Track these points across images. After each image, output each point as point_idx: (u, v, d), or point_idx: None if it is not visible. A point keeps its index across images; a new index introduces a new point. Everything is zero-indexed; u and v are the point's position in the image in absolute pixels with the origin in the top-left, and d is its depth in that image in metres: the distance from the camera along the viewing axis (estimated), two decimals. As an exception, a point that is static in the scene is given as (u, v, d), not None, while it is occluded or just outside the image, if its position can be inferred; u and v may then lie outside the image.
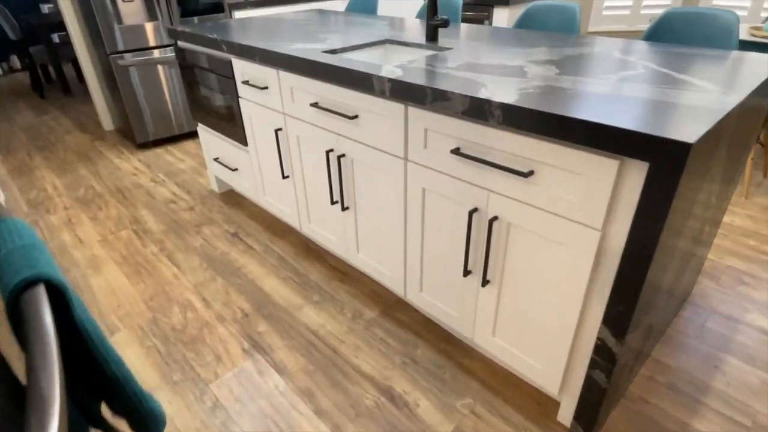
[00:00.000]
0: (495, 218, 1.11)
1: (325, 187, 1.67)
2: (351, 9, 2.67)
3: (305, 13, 2.46)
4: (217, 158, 2.35)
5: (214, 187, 2.56)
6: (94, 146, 3.28)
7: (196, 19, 3.08)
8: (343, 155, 1.50)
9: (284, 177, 1.83)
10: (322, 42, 1.66)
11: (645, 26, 3.75)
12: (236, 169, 2.22)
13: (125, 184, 2.70)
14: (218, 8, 3.15)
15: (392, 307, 1.69)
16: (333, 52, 1.56)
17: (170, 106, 3.19)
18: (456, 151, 1.12)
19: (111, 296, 1.80)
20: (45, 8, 5.25)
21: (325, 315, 1.66)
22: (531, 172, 0.99)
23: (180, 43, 2.16)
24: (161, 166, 2.91)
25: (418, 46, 1.61)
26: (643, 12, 3.70)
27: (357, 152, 1.44)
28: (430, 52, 1.58)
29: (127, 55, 2.89)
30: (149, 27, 2.91)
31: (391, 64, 1.56)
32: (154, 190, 2.62)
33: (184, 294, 1.79)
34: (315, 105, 1.49)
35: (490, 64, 1.28)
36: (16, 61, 5.63)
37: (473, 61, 1.32)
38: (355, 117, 1.38)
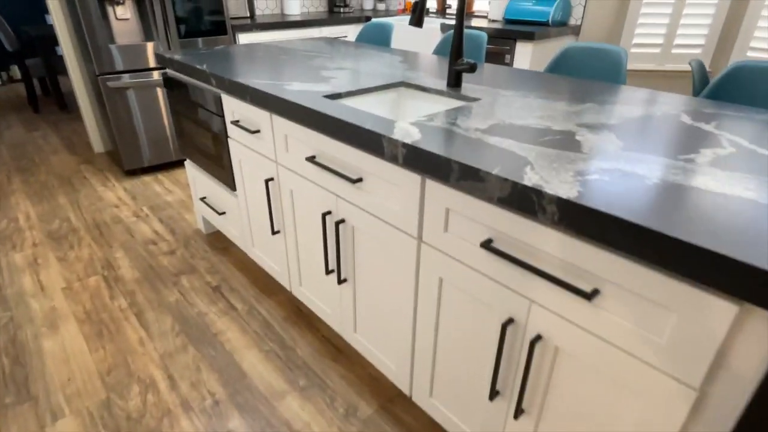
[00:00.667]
0: (538, 338, 0.84)
1: (320, 251, 1.40)
2: (362, 39, 2.45)
3: (313, 42, 2.24)
4: (204, 198, 2.09)
5: (201, 226, 2.30)
6: (79, 170, 3.05)
7: (200, 40, 2.87)
8: (342, 221, 1.24)
9: (274, 232, 1.56)
10: (326, 82, 1.41)
11: (676, 66, 3.51)
12: (224, 213, 1.96)
13: (104, 218, 2.45)
14: (221, 30, 2.94)
15: (393, 401, 1.40)
16: (337, 96, 1.31)
17: (168, 131, 2.96)
18: (487, 244, 0.85)
19: (63, 366, 1.52)
20: (50, 19, 5.10)
21: (312, 408, 1.37)
22: (595, 292, 0.72)
23: (169, 71, 1.93)
24: (147, 198, 2.66)
25: (439, 92, 1.36)
26: (674, 51, 3.47)
27: (359, 220, 1.18)
28: (454, 103, 1.33)
29: (121, 76, 2.67)
30: (147, 47, 2.70)
31: (405, 119, 1.30)
32: (135, 226, 2.36)
33: (148, 368, 1.51)
34: (312, 159, 1.23)
35: (531, 126, 1.02)
36: (17, 71, 5.47)
37: (508, 120, 1.06)
38: (359, 180, 1.12)
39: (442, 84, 1.41)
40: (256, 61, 1.73)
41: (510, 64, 2.85)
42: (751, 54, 3.25)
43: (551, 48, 2.95)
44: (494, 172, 0.78)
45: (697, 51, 3.42)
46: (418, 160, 0.91)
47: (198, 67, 1.62)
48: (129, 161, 2.87)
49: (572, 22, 3.13)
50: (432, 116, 1.09)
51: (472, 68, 1.30)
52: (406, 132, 0.98)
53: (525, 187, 0.74)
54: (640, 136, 0.97)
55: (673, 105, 1.21)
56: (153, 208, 2.54)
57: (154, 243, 2.22)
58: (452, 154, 0.86)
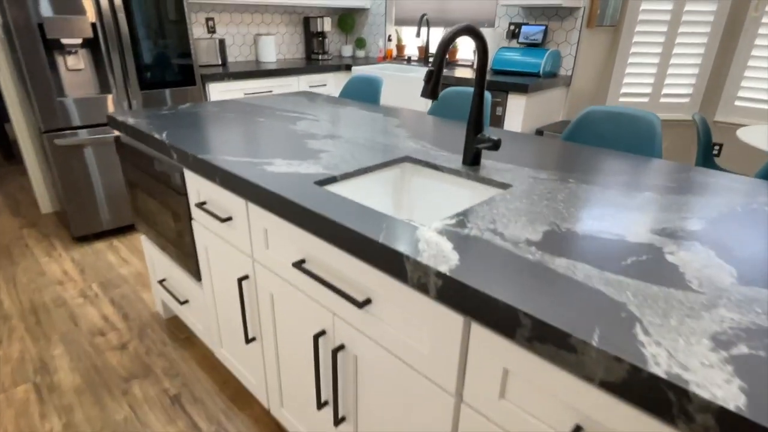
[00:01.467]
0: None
1: (310, 375, 1.10)
2: (348, 93, 2.22)
3: (294, 97, 1.99)
4: (164, 281, 1.76)
5: (160, 309, 1.95)
6: (21, 236, 2.66)
7: (166, 92, 2.59)
8: (342, 347, 0.95)
9: (248, 341, 1.25)
10: (315, 159, 1.14)
11: (665, 115, 3.43)
12: (186, 302, 1.63)
13: (45, 300, 2.07)
14: (189, 80, 2.68)
15: None
16: (330, 180, 1.04)
17: (127, 191, 2.63)
18: (572, 432, 0.57)
19: None
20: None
21: None
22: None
23: (121, 135, 1.64)
24: (98, 271, 2.29)
25: (454, 172, 1.11)
26: (663, 100, 3.40)
27: (366, 350, 0.89)
28: (479, 190, 1.08)
29: (76, 132, 2.35)
30: (107, 99, 2.40)
31: (426, 222, 1.05)
32: (81, 310, 1.99)
33: None
34: (300, 265, 0.95)
35: (599, 237, 0.77)
36: (-38, 118, 5.03)
37: (564, 225, 0.81)
38: (367, 302, 0.84)
39: (455, 160, 1.16)
40: (228, 126, 1.46)
41: (502, 117, 2.68)
42: (738, 103, 3.21)
43: (544, 101, 2.81)
44: (595, 343, 0.52)
45: (685, 100, 3.37)
46: (461, 298, 0.64)
47: (156, 136, 1.34)
48: (79, 227, 2.51)
49: (562, 72, 3.02)
50: (461, 217, 0.83)
51: (495, 145, 1.06)
52: (437, 249, 0.71)
53: (653, 377, 0.48)
54: (746, 252, 0.73)
55: (746, 191, 0.99)
56: (104, 285, 2.17)
57: (102, 334, 1.85)
58: (516, 298, 0.59)
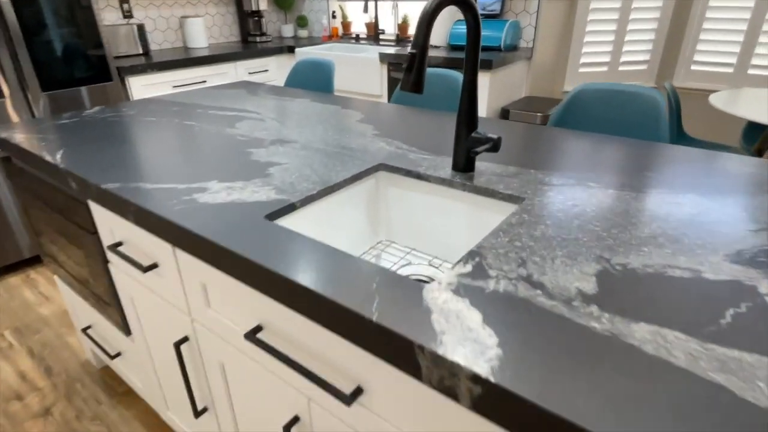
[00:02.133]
0: None
1: (283, 456, 0.85)
2: (295, 81, 1.92)
3: (232, 90, 1.67)
4: (89, 329, 1.44)
5: (90, 357, 1.63)
6: None
7: (79, 90, 2.18)
8: (325, 436, 0.71)
9: (197, 413, 0.98)
10: (263, 177, 0.87)
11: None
12: (118, 355, 1.33)
13: (-59, 359, 1.68)
14: (104, 74, 2.27)
15: None
16: (286, 210, 0.78)
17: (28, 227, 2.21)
18: None
19: None
20: None
21: None
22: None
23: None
24: (12, 313, 1.91)
25: (445, 182, 0.88)
26: (621, 69, 3.31)
27: (358, 445, 0.65)
28: (485, 207, 0.85)
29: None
30: (5, 104, 1.97)
31: (439, 279, 0.80)
32: (-11, 369, 1.63)
33: None
34: (254, 335, 0.69)
35: (668, 275, 0.56)
36: None
37: (615, 259, 0.60)
38: (358, 393, 0.60)
39: (442, 165, 0.93)
40: (147, 136, 1.15)
41: (466, 97, 2.46)
42: (695, 68, 3.16)
43: (507, 77, 2.61)
44: None
45: (643, 67, 3.29)
46: (514, 414, 0.42)
47: (48, 158, 1.01)
48: (-17, 260, 2.09)
49: (522, 45, 2.84)
50: (476, 258, 0.60)
51: (495, 146, 0.83)
52: (462, 327, 0.48)
53: None
54: None
55: (795, 184, 0.82)
56: (20, 332, 1.80)
57: (18, 398, 1.51)
58: (608, 417, 0.37)
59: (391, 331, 0.48)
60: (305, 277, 0.57)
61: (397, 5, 3.25)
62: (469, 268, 0.59)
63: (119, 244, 0.96)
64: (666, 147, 1.02)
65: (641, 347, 0.45)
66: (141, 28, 2.75)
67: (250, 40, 3.37)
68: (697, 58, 3.14)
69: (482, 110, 2.47)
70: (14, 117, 2.03)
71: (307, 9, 3.65)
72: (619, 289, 0.54)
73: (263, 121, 1.28)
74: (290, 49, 3.09)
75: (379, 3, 3.29)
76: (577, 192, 0.80)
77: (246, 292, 0.69)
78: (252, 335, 0.68)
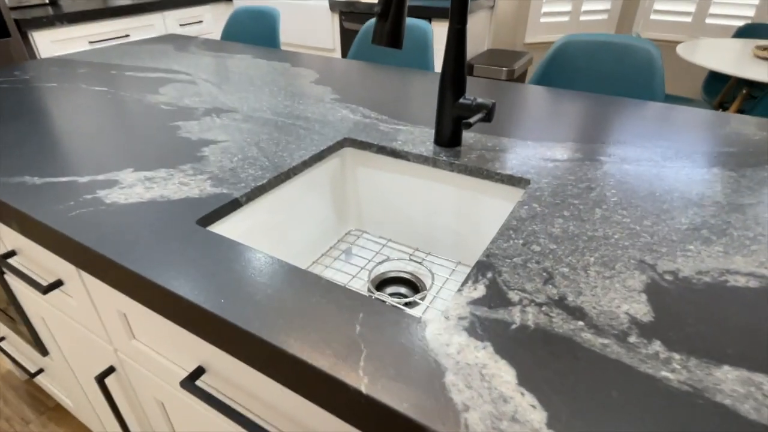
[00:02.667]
0: None
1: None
2: (232, 34, 1.65)
3: (156, 44, 1.39)
4: (2, 340, 1.21)
5: (12, 366, 1.40)
6: None
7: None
8: (297, 494, 0.56)
9: (141, 448, 0.81)
10: (195, 162, 0.67)
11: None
12: (40, 371, 1.12)
13: None
14: (1, 30, 1.89)
15: None
16: (227, 210, 0.59)
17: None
18: None
19: None
20: None
21: None
22: None
23: None
24: None
25: (429, 161, 0.71)
26: (582, 18, 3.18)
27: None
28: (481, 191, 0.69)
29: None
30: None
31: (444, 309, 0.64)
32: None
33: None
34: (193, 382, 0.52)
35: (733, 282, 0.44)
36: None
37: (664, 264, 0.47)
38: (339, 459, 0.45)
39: (422, 137, 0.76)
40: (43, 108, 0.90)
41: (427, 51, 2.26)
42: (654, 17, 3.08)
43: (470, 27, 2.42)
44: None
45: (604, 17, 3.18)
46: None
47: None
48: None
49: (484, -9, 2.62)
50: (489, 273, 0.45)
51: (489, 114, 0.67)
52: (491, 393, 0.33)
53: None
54: None
55: (823, 150, 0.72)
56: None
57: None
58: None
59: (390, 409, 0.33)
60: (258, 321, 0.40)
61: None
62: (481, 290, 0.44)
63: (11, 254, 0.74)
64: (671, 108, 0.90)
65: (736, 408, 0.33)
66: (42, -29, 2.30)
67: (180, -14, 2.95)
68: (657, 7, 3.06)
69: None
70: None
71: (244, -50, 3.23)
72: (679, 312, 0.41)
73: (195, 84, 1.05)
74: (227, -3, 2.72)
75: (325, -57, 2.94)
76: (588, 169, 0.66)
77: (179, 329, 0.51)
78: (190, 382, 0.52)
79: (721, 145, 0.74)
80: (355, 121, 0.84)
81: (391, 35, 0.54)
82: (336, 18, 2.42)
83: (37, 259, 0.70)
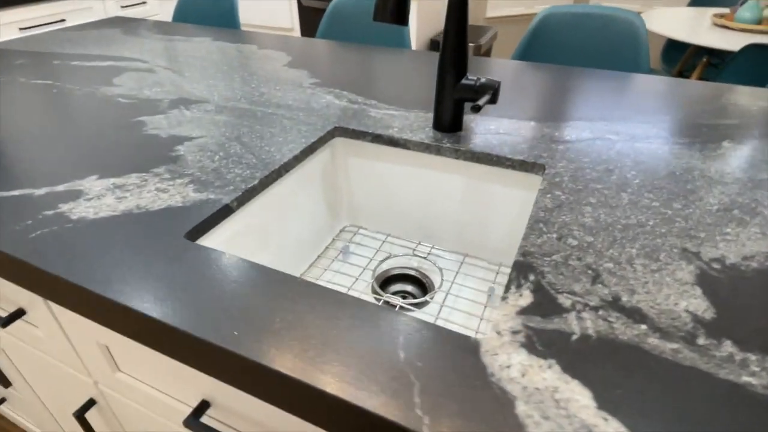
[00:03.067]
0: None
1: None
2: (184, 15, 1.51)
3: (101, 29, 1.25)
4: (-48, 370, 1.08)
5: (-32, 397, 1.26)
6: None
7: None
8: None
9: (130, 480, 0.74)
10: (170, 163, 0.59)
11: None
12: (2, 401, 1.01)
13: None
14: None
15: None
16: (218, 218, 0.52)
17: None
18: None
19: None
20: None
21: None
22: None
23: None
24: None
25: (431, 148, 0.66)
26: (542, -9, 3.16)
27: None
28: (492, 179, 0.64)
29: None
30: None
31: (492, 324, 0.59)
32: None
33: None
34: (197, 418, 0.46)
35: (782, 272, 0.42)
36: None
37: (708, 251, 0.44)
38: (379, 495, 0.40)
39: (417, 123, 0.70)
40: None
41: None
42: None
43: (433, 2, 2.35)
44: None
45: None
46: None
47: None
48: None
49: (446, -36, 2.55)
50: (529, 276, 0.41)
51: (495, 95, 0.62)
52: (577, 427, 0.29)
53: None
54: None
55: (820, 118, 0.72)
56: None
57: None
58: None
59: (463, 454, 0.28)
60: (286, 356, 0.34)
61: None
62: (528, 296, 0.39)
63: (-45, 281, 0.63)
64: (661, 81, 0.88)
65: (831, 413, 0.30)
66: (-45, -52, 2.03)
67: (117, -37, 2.70)
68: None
69: (410, 42, 2.21)
70: None
71: (185, -77, 2.99)
72: (739, 304, 0.38)
73: (153, 72, 0.94)
74: (172, -25, 2.52)
75: None
76: (601, 149, 0.63)
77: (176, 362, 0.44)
78: (195, 419, 0.45)
79: (722, 117, 0.72)
80: (342, 107, 0.77)
81: (396, 11, 0.47)
82: (293, -5, 2.29)
83: (-11, 287, 0.60)
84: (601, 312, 0.38)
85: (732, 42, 1.75)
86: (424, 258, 0.73)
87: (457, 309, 0.64)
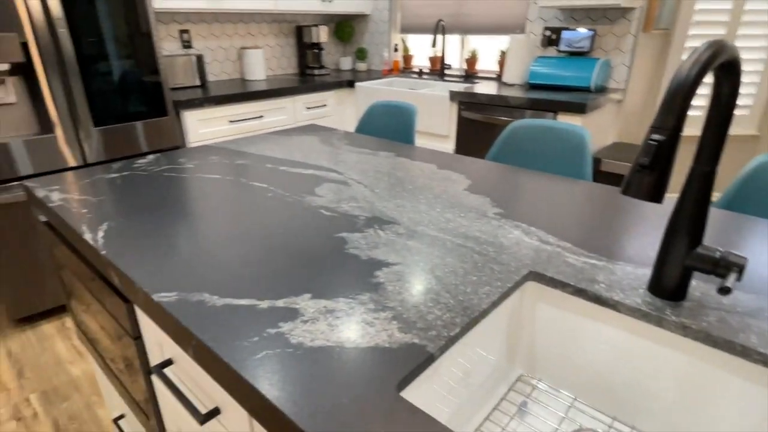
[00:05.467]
0: None
1: None
2: (369, 126, 1.69)
3: (301, 136, 1.45)
4: (121, 419, 1.20)
5: (123, 442, 1.38)
6: (-56, 317, 2.06)
7: (133, 125, 2.03)
8: None
9: None
10: (372, 283, 0.61)
11: (732, 131, 2.97)
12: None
13: (-41, 428, 1.48)
14: (159, 108, 2.12)
15: None
16: (420, 369, 0.50)
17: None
18: None
19: None
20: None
21: None
22: None
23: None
24: (41, 373, 1.71)
25: (650, 318, 0.58)
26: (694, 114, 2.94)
27: None
28: (753, 386, 0.55)
29: (10, 185, 1.77)
30: (50, 141, 1.83)
31: None
32: (9, 446, 1.42)
33: None
34: None
35: None
36: None
37: None
38: None
39: (624, 277, 0.64)
40: (211, 204, 0.92)
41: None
42: (807, 115, 2.75)
43: (597, 121, 2.31)
44: None
45: (745, 112, 2.92)
46: None
47: (88, 238, 0.79)
48: (19, 305, 1.92)
49: (612, 85, 2.53)
50: None
51: (739, 276, 0.54)
52: None
53: None
54: None
55: None
56: (47, 397, 1.59)
57: (34, 491, 1.27)
58: None
59: None
60: None
61: (465, 40, 3.03)
62: None
63: (168, 363, 0.71)
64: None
65: None
66: (200, 59, 2.62)
67: (308, 72, 3.22)
68: (809, 103, 2.74)
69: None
70: (65, 154, 1.89)
71: (367, 41, 3.49)
72: None
73: (347, 185, 1.03)
74: (350, 83, 2.90)
75: (446, 37, 3.08)
76: None
77: None
78: None
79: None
80: (534, 247, 0.74)
81: (654, 188, 0.45)
82: (455, 107, 2.45)
83: (195, 379, 0.66)
84: None
85: None
86: (622, 439, 0.62)
87: None
